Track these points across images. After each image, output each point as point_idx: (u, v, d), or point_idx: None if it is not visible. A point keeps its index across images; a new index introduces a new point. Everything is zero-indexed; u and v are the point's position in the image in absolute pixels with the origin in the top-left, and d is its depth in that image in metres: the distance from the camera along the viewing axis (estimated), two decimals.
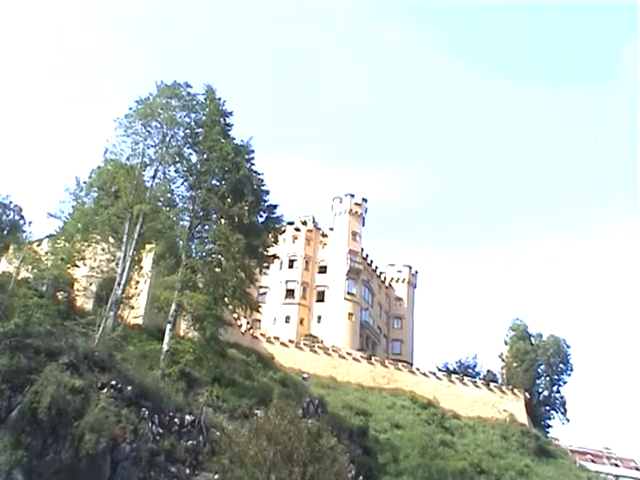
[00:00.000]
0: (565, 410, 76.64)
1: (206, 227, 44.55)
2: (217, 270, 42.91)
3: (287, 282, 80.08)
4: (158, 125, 42.35)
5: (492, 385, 70.87)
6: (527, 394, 71.66)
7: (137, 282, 40.48)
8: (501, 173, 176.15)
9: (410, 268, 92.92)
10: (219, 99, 44.90)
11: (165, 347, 39.39)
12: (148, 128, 42.12)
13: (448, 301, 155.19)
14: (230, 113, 45.28)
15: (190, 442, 32.69)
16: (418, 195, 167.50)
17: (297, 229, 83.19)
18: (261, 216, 46.07)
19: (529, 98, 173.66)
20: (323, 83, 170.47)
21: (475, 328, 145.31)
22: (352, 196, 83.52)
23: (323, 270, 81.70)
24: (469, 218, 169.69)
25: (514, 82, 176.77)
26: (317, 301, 79.60)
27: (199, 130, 44.33)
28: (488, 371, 79.05)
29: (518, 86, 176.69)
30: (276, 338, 67.91)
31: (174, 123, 42.53)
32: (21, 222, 48.50)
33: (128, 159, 41.97)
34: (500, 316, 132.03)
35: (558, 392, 77.46)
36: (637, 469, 71.25)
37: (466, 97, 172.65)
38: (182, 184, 44.31)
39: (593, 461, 70.33)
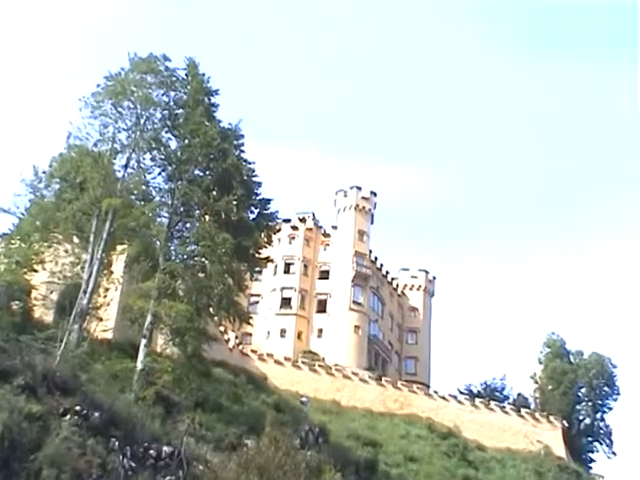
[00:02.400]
0: (611, 441, 76.66)
1: (188, 225, 44.48)
2: (200, 275, 42.87)
3: (282, 289, 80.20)
4: (131, 105, 42.19)
5: (524, 411, 70.87)
6: (565, 422, 71.66)
7: (106, 289, 40.40)
8: (538, 169, 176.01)
9: (427, 273, 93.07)
10: (203, 75, 44.72)
11: (139, 366, 39.33)
12: (119, 109, 41.94)
13: (471, 312, 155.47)
14: (216, 91, 45.13)
15: (168, 478, 32.55)
16: (437, 190, 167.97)
17: (294, 227, 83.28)
18: (252, 212, 46.01)
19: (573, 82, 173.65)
20: (326, 60, 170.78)
21: (503, 344, 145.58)
22: (359, 189, 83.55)
23: (325, 275, 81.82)
24: (496, 218, 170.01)
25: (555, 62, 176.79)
26: (318, 312, 79.81)
27: (179, 111, 44.20)
28: (519, 395, 79.16)
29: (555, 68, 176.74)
30: (270, 355, 68.05)
31: (150, 103, 42.37)
32: None
33: (96, 145, 41.81)
34: (533, 330, 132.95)
35: (602, 420, 77.49)
36: None
37: (501, 82, 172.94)
38: (159, 174, 44.22)
39: None
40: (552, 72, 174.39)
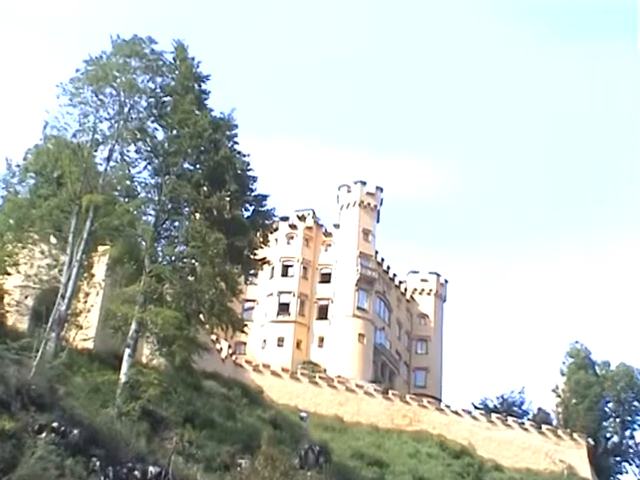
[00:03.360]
0: None
1: (176, 223, 44.54)
2: (190, 279, 42.95)
3: (280, 294, 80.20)
4: (113, 92, 42.16)
5: (545, 428, 70.86)
6: (590, 440, 71.57)
7: (86, 294, 40.10)
8: (557, 163, 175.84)
9: (438, 276, 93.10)
10: (192, 59, 44.80)
11: (123, 378, 39.38)
12: (100, 96, 41.88)
13: (487, 319, 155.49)
14: (207, 77, 45.21)
15: None
16: (449, 186, 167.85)
17: (293, 226, 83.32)
18: (247, 209, 46.12)
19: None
20: (328, 45, 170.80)
21: (522, 354, 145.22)
22: (363, 184, 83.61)
23: (326, 279, 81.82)
24: (514, 216, 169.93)
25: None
26: (318, 318, 79.82)
27: (167, 99, 44.30)
28: (539, 409, 79.09)
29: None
30: (266, 366, 68.06)
31: (134, 89, 42.37)
32: None
33: (75, 136, 41.71)
34: (555, 339, 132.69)
35: (632, 438, 77.43)
36: None
37: (514, 72, 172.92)
38: (145, 168, 44.24)
39: None
40: (563, 63, 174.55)
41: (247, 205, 46.12)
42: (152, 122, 44.20)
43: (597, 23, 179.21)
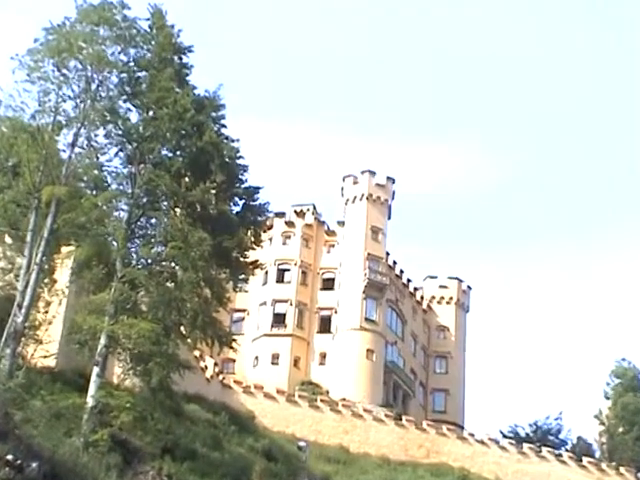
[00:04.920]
0: None
1: (153, 220, 44.71)
2: (169, 285, 43.03)
3: (275, 303, 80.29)
4: (79, 66, 41.84)
5: (586, 460, 70.68)
6: None
7: (48, 303, 40.10)
8: (611, 152, 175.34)
9: (460, 282, 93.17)
10: (172, 27, 44.89)
11: (90, 402, 39.31)
12: (64, 70, 41.52)
13: (517, 333, 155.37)
14: (189, 49, 45.32)
15: None
16: (473, 176, 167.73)
17: (290, 223, 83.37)
18: (236, 204, 46.26)
19: None
20: (330, 13, 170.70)
21: (559, 373, 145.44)
22: (372, 174, 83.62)
23: (329, 285, 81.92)
24: (551, 214, 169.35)
25: None
26: (320, 331, 79.94)
27: (141, 74, 44.34)
28: (579, 439, 79.10)
29: None
30: (258, 387, 68.07)
31: (103, 63, 42.08)
32: None
33: (33, 117, 41.43)
34: (598, 357, 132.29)
35: None
36: None
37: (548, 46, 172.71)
38: (116, 155, 44.29)
39: None
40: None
41: (236, 199, 46.21)
42: (124, 101, 44.18)
43: None
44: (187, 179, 44.15)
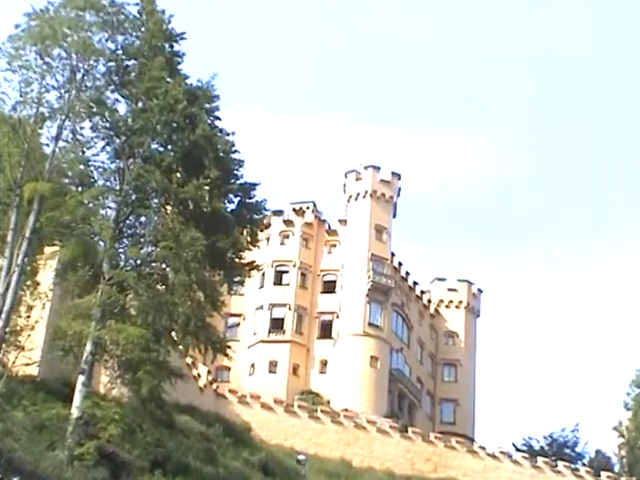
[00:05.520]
0: None
1: (142, 219, 44.61)
2: (160, 288, 43.02)
3: (273, 307, 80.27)
4: (63, 54, 41.99)
5: (605, 475, 70.74)
6: None
7: (30, 307, 39.86)
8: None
9: (470, 285, 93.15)
10: (163, 12, 44.91)
11: (75, 412, 39.22)
12: (47, 59, 41.70)
13: (531, 339, 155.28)
14: (181, 36, 45.31)
15: None
16: (484, 171, 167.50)
17: (288, 222, 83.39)
18: (231, 201, 46.23)
19: None
20: (332, 3, 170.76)
21: (575, 383, 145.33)
22: (377, 169, 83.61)
23: (330, 288, 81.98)
24: (569, 211, 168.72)
25: None
26: (320, 337, 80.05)
27: (130, 63, 44.35)
28: (598, 452, 79.11)
29: None
30: (255, 397, 68.09)
31: (89, 51, 42.17)
32: None
33: (15, 109, 41.49)
34: (616, 364, 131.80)
35: None
36: None
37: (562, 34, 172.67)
38: (103, 149, 44.27)
39: None
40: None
41: (231, 196, 46.17)
42: (112, 92, 44.21)
43: None
44: (179, 175, 44.04)
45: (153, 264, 43.93)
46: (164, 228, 42.83)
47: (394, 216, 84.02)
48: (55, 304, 43.92)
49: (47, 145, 42.23)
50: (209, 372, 65.31)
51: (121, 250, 43.82)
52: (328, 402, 73.93)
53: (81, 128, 43.36)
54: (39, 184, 39.73)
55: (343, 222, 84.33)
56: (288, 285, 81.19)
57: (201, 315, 43.39)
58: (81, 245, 42.12)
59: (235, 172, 46.00)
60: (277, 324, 79.62)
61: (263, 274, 77.84)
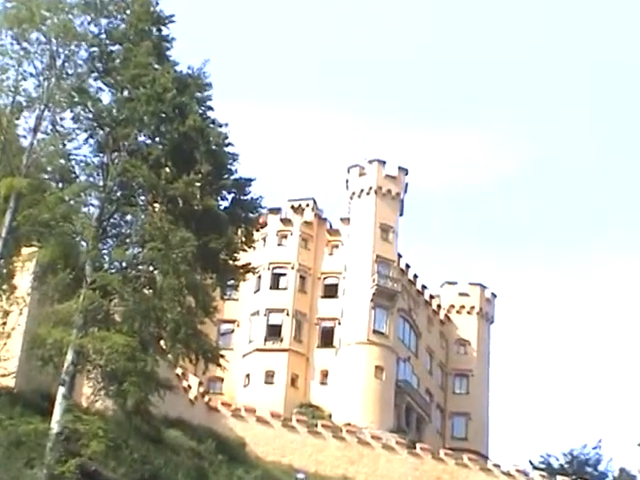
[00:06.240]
0: None
1: (128, 217, 44.51)
2: (147, 292, 42.90)
3: (269, 313, 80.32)
4: (42, 38, 42.24)
5: None
6: None
7: (6, 313, 40.40)
8: None
9: (483, 289, 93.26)
10: None
11: (55, 427, 39.14)
12: (25, 44, 41.97)
13: (550, 348, 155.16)
14: (169, 19, 45.24)
15: None
16: (498, 168, 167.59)
17: (287, 221, 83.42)
18: (224, 198, 46.12)
19: None
20: None
21: (597, 396, 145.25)
22: (382, 163, 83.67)
23: (331, 292, 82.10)
24: (593, 212, 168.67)
25: None
26: (321, 346, 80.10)
27: (115, 48, 44.34)
28: (622, 470, 79.33)
29: None
30: (250, 410, 68.05)
31: (70, 35, 42.33)
32: None
33: None
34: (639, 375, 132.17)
35: None
36: None
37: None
38: (86, 142, 44.15)
39: None
40: None
41: (224, 192, 46.03)
42: (95, 79, 44.12)
43: None
44: (168, 169, 43.98)
45: (140, 266, 43.79)
46: (152, 227, 42.59)
47: (401, 214, 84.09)
48: (33, 310, 43.86)
49: (24, 137, 42.58)
50: (200, 383, 65.25)
51: (105, 251, 43.76)
52: (329, 416, 74.04)
53: (61, 119, 43.42)
54: (16, 180, 39.93)
55: (345, 221, 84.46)
56: (286, 289, 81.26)
57: (192, 322, 43.17)
58: (61, 246, 41.91)
59: (229, 167, 45.86)
60: (274, 331, 79.67)
61: (259, 277, 77.89)
